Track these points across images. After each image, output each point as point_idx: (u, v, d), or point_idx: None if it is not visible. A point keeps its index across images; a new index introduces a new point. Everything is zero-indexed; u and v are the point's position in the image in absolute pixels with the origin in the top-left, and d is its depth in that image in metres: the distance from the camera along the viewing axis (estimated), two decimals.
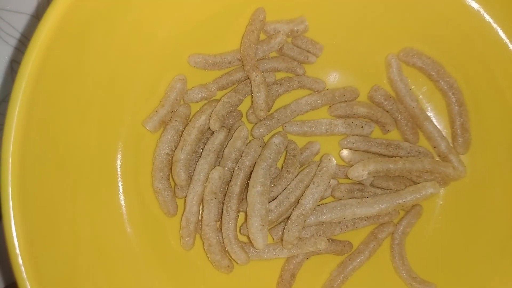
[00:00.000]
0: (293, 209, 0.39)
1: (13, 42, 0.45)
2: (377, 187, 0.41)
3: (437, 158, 0.42)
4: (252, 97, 0.41)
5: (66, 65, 0.34)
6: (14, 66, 0.45)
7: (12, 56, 0.45)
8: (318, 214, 0.39)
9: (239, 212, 0.39)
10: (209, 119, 0.39)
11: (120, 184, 0.39)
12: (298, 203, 0.39)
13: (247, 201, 0.38)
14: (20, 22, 0.45)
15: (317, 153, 0.42)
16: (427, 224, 0.42)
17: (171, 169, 0.39)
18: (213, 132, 0.40)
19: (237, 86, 0.41)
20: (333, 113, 0.42)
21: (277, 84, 0.42)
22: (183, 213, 0.39)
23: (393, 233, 0.41)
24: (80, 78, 0.35)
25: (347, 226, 0.41)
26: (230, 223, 0.38)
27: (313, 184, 0.39)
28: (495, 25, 0.39)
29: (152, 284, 0.38)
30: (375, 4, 0.41)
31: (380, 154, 0.42)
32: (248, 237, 0.38)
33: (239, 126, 0.40)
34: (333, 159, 0.40)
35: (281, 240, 0.39)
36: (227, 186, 0.39)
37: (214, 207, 0.38)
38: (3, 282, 0.43)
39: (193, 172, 0.39)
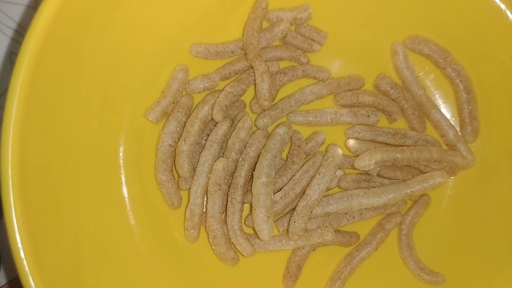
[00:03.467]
0: (298, 200, 0.38)
1: (11, 33, 0.45)
2: (384, 177, 0.41)
3: (445, 147, 0.42)
4: (255, 87, 0.40)
5: (65, 56, 0.33)
6: (13, 58, 0.45)
7: (10, 48, 0.45)
8: (324, 205, 0.39)
9: (244, 204, 0.39)
10: (212, 110, 0.39)
11: (123, 176, 0.39)
12: (304, 194, 0.38)
13: (252, 193, 0.37)
14: (17, 13, 0.44)
15: (322, 143, 0.42)
16: (436, 214, 0.42)
17: (174, 160, 0.39)
18: (217, 123, 0.39)
19: (240, 75, 0.41)
20: (339, 102, 0.42)
21: (281, 73, 0.41)
22: (187, 205, 0.39)
23: (400, 224, 0.41)
24: (80, 69, 0.35)
25: (353, 217, 0.40)
26: (235, 214, 0.38)
27: (319, 174, 0.38)
28: (504, 10, 0.38)
29: (157, 277, 0.38)
30: None
31: (386, 144, 0.41)
32: (253, 228, 0.38)
33: (242, 117, 0.40)
34: (339, 149, 0.39)
35: (287, 231, 0.38)
36: (231, 178, 0.39)
37: (218, 198, 0.37)
38: (6, 277, 0.43)
39: (197, 163, 0.38)
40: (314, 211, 0.39)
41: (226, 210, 0.38)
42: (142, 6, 0.36)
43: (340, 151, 0.39)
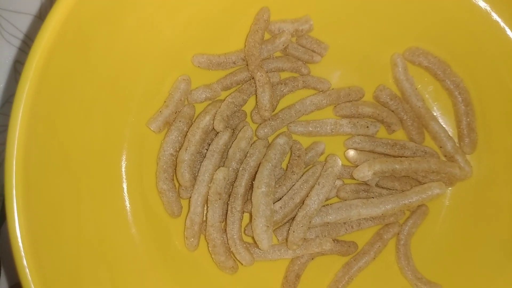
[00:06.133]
0: (298, 210, 0.39)
1: (17, 42, 0.45)
2: (382, 188, 0.41)
3: (443, 158, 0.42)
4: (256, 97, 0.40)
5: (70, 66, 0.34)
6: (18, 67, 0.45)
7: (15, 57, 0.45)
8: (323, 215, 0.39)
9: (243, 213, 0.39)
10: (214, 120, 0.39)
11: (124, 185, 0.39)
12: (303, 203, 0.38)
13: (251, 202, 0.37)
14: (23, 23, 0.45)
15: (322, 153, 0.42)
16: (433, 225, 0.42)
17: (175, 170, 0.39)
18: (218, 133, 0.40)
19: (242, 86, 0.41)
20: (338, 113, 0.42)
21: (281, 84, 0.41)
22: (187, 214, 0.39)
23: (398, 234, 0.41)
24: (84, 79, 0.35)
25: (352, 227, 0.40)
26: (234, 224, 0.38)
27: (318, 184, 0.38)
28: (502, 24, 0.39)
29: (157, 285, 0.38)
30: (380, 3, 0.40)
31: (385, 154, 0.41)
32: (252, 238, 0.38)
33: (243, 127, 0.40)
34: (339, 159, 0.40)
35: (286, 240, 0.39)
36: (231, 187, 0.39)
37: (218, 208, 0.38)
38: (8, 282, 0.43)
39: (198, 172, 0.39)
40: (313, 221, 0.39)
41: (226, 219, 0.38)
42: (145, 17, 0.37)
43: (339, 162, 0.40)
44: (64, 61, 0.33)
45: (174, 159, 0.39)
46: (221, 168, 0.38)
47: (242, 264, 0.38)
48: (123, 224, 0.38)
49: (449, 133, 0.42)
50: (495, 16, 0.39)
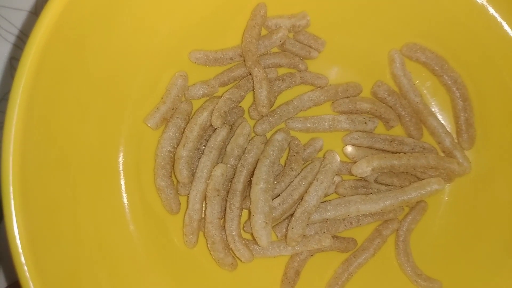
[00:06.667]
0: (296, 206, 0.38)
1: (12, 39, 0.45)
2: (381, 184, 0.41)
3: (442, 154, 0.42)
4: (254, 93, 0.40)
5: (66, 62, 0.33)
6: (14, 63, 0.45)
7: (11, 53, 0.45)
8: (322, 211, 0.39)
9: (242, 210, 0.39)
10: (211, 116, 0.39)
11: (122, 182, 0.39)
12: (301, 200, 0.38)
13: (250, 199, 0.37)
14: (19, 19, 0.44)
15: (320, 150, 0.42)
16: (432, 221, 0.42)
17: (173, 166, 0.39)
18: (215, 129, 0.40)
19: (239, 82, 0.41)
20: (336, 109, 0.42)
21: (279, 80, 0.41)
22: (186, 210, 0.39)
23: (397, 230, 0.41)
24: (80, 75, 0.35)
25: (351, 223, 0.40)
26: (233, 220, 0.38)
27: (317, 181, 0.38)
28: (499, 19, 0.39)
29: (155, 282, 0.38)
30: None
31: (384, 150, 0.41)
32: (251, 234, 0.38)
33: (241, 123, 0.40)
34: (337, 155, 0.40)
35: (285, 237, 0.39)
36: (230, 183, 0.39)
37: (217, 204, 0.38)
38: (6, 280, 0.43)
39: (196, 169, 0.39)
40: (312, 217, 0.39)
41: (224, 216, 0.38)
42: (142, 13, 0.37)
43: (337, 158, 0.40)
44: (60, 57, 0.33)
45: (172, 155, 0.39)
46: (219, 164, 0.38)
47: (241, 261, 0.38)
48: (121, 221, 0.38)
49: (447, 128, 0.42)
50: (492, 11, 0.39)
